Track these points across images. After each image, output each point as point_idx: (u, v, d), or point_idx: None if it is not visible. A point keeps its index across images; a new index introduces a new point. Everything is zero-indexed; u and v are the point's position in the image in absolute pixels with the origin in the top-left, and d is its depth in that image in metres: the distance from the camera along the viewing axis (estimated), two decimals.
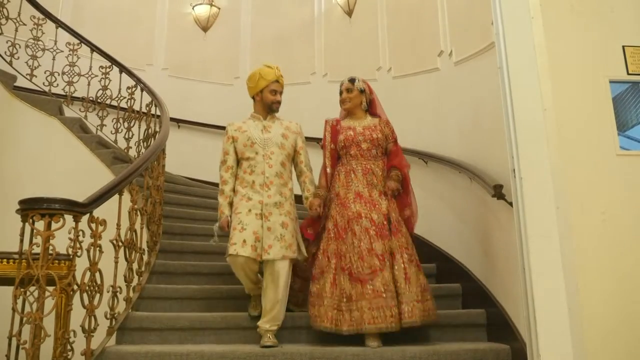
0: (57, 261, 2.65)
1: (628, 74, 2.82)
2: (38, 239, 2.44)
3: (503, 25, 2.68)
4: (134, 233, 3.24)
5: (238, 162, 3.35)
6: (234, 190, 3.29)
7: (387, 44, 5.64)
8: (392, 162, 3.33)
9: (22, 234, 2.52)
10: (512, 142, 2.46)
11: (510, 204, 2.66)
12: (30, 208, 2.44)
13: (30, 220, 2.43)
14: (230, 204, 3.26)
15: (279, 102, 3.39)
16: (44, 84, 5.05)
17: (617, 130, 2.72)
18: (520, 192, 2.38)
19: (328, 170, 3.38)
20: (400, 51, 5.42)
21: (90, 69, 5.25)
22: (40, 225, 2.45)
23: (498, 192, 2.95)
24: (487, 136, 3.53)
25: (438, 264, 4.18)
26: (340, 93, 3.46)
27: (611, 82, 2.81)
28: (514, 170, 2.46)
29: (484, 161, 3.53)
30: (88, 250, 2.72)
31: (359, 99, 3.43)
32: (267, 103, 3.37)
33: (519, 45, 2.61)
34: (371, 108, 3.51)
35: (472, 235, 3.76)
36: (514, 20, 2.68)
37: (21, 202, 2.46)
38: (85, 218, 2.69)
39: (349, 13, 6.39)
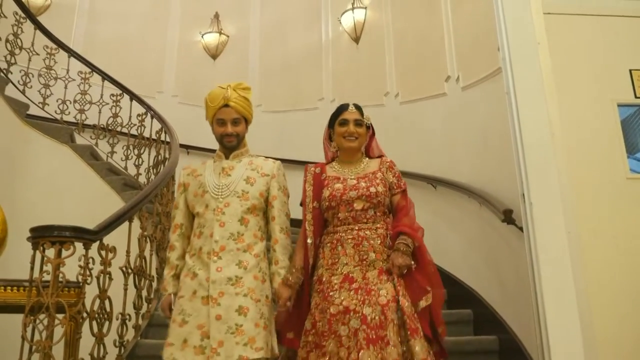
0: (67, 289, 2.64)
1: (636, 97, 2.84)
2: (48, 267, 2.45)
3: (509, 50, 2.70)
4: (143, 260, 3.24)
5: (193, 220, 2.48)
6: (184, 259, 2.40)
7: (394, 69, 5.69)
8: (399, 225, 2.29)
9: (32, 262, 2.53)
10: (521, 167, 2.46)
11: (521, 228, 2.65)
12: (41, 236, 2.46)
13: (41, 248, 2.45)
14: (178, 277, 2.39)
15: (230, 136, 2.43)
16: (55, 112, 5.12)
17: (626, 153, 2.72)
18: (531, 217, 2.37)
19: (308, 240, 2.37)
20: (408, 76, 5.46)
21: (102, 97, 5.32)
22: (50, 252, 2.46)
23: (508, 217, 2.94)
24: (495, 160, 3.53)
25: (448, 290, 4.13)
26: (342, 123, 2.44)
27: (619, 105, 2.83)
28: (524, 195, 2.45)
29: (493, 185, 3.53)
30: (98, 278, 2.73)
31: (365, 137, 2.49)
32: (217, 138, 2.49)
33: (526, 70, 2.62)
34: (369, 147, 2.57)
35: (483, 260, 3.73)
36: (520, 45, 2.70)
37: (32, 230, 2.48)
38: (95, 245, 2.70)
39: (356, 39, 6.45)
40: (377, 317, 2.09)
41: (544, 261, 2.31)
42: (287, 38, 7.22)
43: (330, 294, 2.22)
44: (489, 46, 3.67)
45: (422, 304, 2.17)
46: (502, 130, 2.95)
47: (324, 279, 2.29)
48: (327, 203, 2.37)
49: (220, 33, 7.31)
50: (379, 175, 2.41)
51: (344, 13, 6.47)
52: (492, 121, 3.56)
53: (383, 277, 2.21)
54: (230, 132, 2.43)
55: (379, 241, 2.29)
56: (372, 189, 2.34)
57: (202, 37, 7.31)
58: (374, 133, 2.56)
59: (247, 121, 2.52)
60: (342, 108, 2.52)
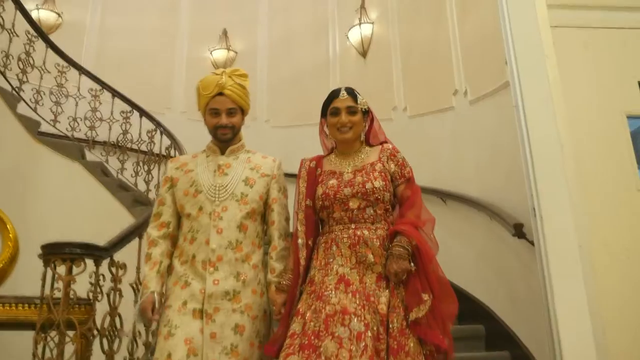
0: (77, 306, 2.65)
1: None
2: (59, 284, 2.46)
3: (517, 64, 2.70)
4: None
5: (180, 220, 2.23)
6: (170, 260, 2.18)
7: (402, 83, 5.70)
8: (398, 223, 2.04)
9: (43, 279, 2.54)
10: (531, 180, 2.45)
11: (532, 242, 2.63)
12: (52, 253, 2.48)
13: (52, 265, 2.46)
14: (163, 276, 2.15)
15: (225, 128, 2.19)
16: (66, 129, 5.17)
17: (637, 165, 2.70)
18: (542, 231, 2.35)
19: (299, 241, 2.13)
20: (415, 90, 5.47)
21: (112, 113, 5.37)
22: (61, 269, 2.47)
23: (518, 231, 2.93)
24: (505, 173, 3.52)
25: (460, 305, 4.10)
26: (334, 112, 2.17)
27: (628, 117, 2.81)
28: (534, 208, 2.44)
29: (503, 199, 3.51)
30: (108, 295, 2.73)
31: (362, 125, 2.21)
32: (210, 130, 2.26)
33: (534, 83, 2.62)
34: (368, 134, 2.28)
35: (494, 274, 3.70)
36: (528, 59, 2.70)
37: (43, 247, 2.50)
38: (105, 262, 2.71)
39: (363, 54, 6.48)
40: (376, 328, 1.85)
41: (556, 275, 2.29)
42: (294, 53, 7.27)
43: (325, 293, 1.95)
44: (496, 60, 3.68)
45: (412, 316, 1.86)
46: (511, 144, 2.94)
47: (315, 280, 2.03)
48: (320, 202, 2.12)
49: (229, 49, 7.38)
50: (377, 167, 2.13)
51: (351, 28, 6.51)
52: (501, 134, 3.56)
53: (382, 284, 1.96)
54: (225, 123, 2.18)
55: (378, 243, 2.01)
56: (368, 185, 2.06)
57: (210, 53, 7.37)
58: (373, 118, 2.27)
59: (243, 112, 2.27)
60: (333, 95, 2.21)
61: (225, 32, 7.36)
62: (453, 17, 4.75)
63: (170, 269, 2.17)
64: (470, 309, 3.97)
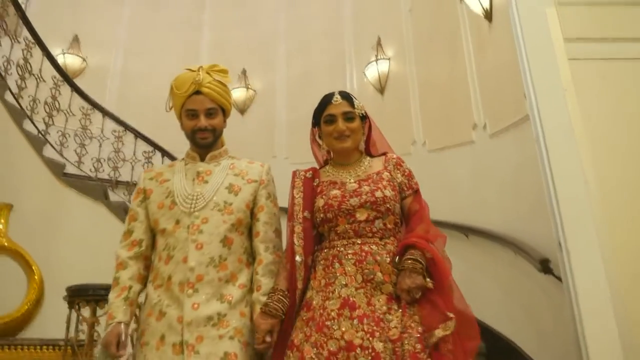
0: None
1: None
2: (84, 326, 2.47)
3: (536, 98, 2.69)
4: None
5: (155, 238, 1.95)
6: (142, 284, 1.90)
7: (420, 118, 5.72)
8: (408, 237, 1.79)
9: (68, 321, 2.56)
10: (556, 215, 2.41)
11: (559, 278, 2.57)
12: (77, 295, 2.50)
13: (77, 306, 2.48)
14: (132, 303, 1.85)
15: (204, 131, 1.94)
16: (90, 170, 5.27)
17: None
18: (569, 267, 2.30)
19: (297, 258, 1.84)
20: (434, 125, 5.48)
21: (134, 154, 5.47)
22: (86, 312, 2.49)
23: (545, 266, 2.88)
24: (528, 208, 3.48)
25: (487, 343, 4.01)
26: (329, 120, 1.95)
27: None
28: (560, 243, 2.39)
29: (527, 233, 3.46)
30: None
31: (361, 132, 1.99)
32: (187, 134, 2.00)
33: (554, 117, 2.61)
34: (367, 143, 2.06)
35: (521, 311, 3.62)
36: (547, 93, 2.69)
37: (68, 290, 2.53)
38: None
39: (381, 90, 6.54)
40: (388, 358, 1.58)
41: (587, 313, 2.22)
42: (312, 91, 7.31)
43: (327, 324, 1.67)
44: (515, 93, 3.68)
45: (439, 333, 1.59)
46: (534, 177, 2.91)
47: (313, 304, 1.75)
48: (322, 215, 1.86)
49: (248, 88, 7.51)
50: (385, 176, 1.91)
51: (368, 65, 6.59)
52: (523, 168, 3.53)
53: (393, 306, 1.68)
54: (204, 125, 1.92)
55: (388, 259, 1.76)
56: (378, 194, 1.83)
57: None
58: (371, 124, 2.05)
59: (225, 112, 2.01)
60: (326, 100, 1.98)
61: (244, 72, 7.52)
62: (469, 51, 4.79)
63: (146, 297, 1.87)
64: (497, 346, 3.87)
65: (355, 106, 1.96)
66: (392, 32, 6.42)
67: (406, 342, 1.59)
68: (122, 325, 1.77)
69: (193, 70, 1.94)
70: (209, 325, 1.73)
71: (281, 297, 1.78)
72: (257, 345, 1.75)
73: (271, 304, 1.77)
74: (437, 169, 5.09)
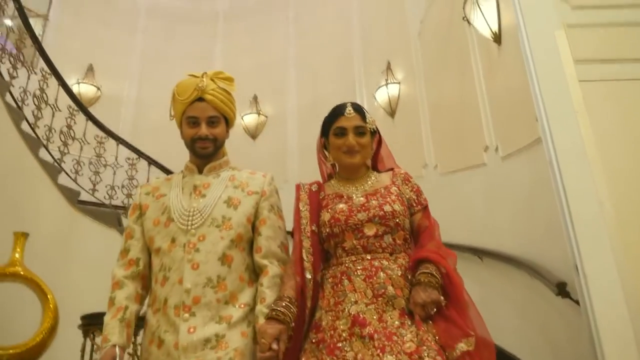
0: None
1: None
2: (98, 354, 2.47)
3: (548, 120, 2.69)
4: None
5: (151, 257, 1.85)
6: (140, 305, 1.82)
7: (432, 141, 5.73)
8: (420, 251, 1.73)
9: (82, 350, 2.56)
10: (571, 238, 2.38)
11: (577, 302, 2.53)
12: (92, 323, 2.50)
13: (92, 335, 2.48)
14: (129, 325, 1.75)
15: (205, 140, 1.85)
16: (104, 197, 5.32)
17: None
18: (587, 291, 2.26)
19: (307, 275, 1.75)
20: (446, 148, 5.48)
21: (148, 180, 5.51)
22: (100, 340, 2.48)
23: (562, 290, 2.83)
24: (543, 230, 3.44)
25: None
26: (339, 133, 1.88)
27: None
28: (577, 266, 2.36)
29: (542, 256, 3.42)
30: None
31: (370, 148, 1.92)
32: (186, 143, 1.91)
33: (567, 139, 2.60)
34: (375, 158, 2.00)
35: (538, 334, 3.56)
36: (559, 115, 2.69)
37: (83, 318, 2.53)
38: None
39: (392, 114, 6.57)
40: None
41: (606, 337, 2.18)
42: (323, 115, 7.40)
43: (338, 345, 1.58)
44: (526, 115, 3.68)
45: (462, 347, 1.53)
46: (547, 199, 2.89)
47: (323, 324, 1.66)
48: (327, 229, 1.77)
49: (259, 114, 7.60)
50: (393, 190, 1.83)
51: (378, 89, 6.65)
52: (535, 190, 3.51)
53: (407, 321, 1.59)
54: (204, 134, 1.82)
55: (399, 273, 1.68)
56: (387, 208, 1.75)
57: (242, 118, 7.59)
58: (381, 140, 1.98)
59: (228, 122, 1.92)
60: (338, 111, 1.91)
61: (255, 98, 7.61)
62: (479, 73, 4.80)
63: (145, 323, 1.80)
64: None
65: (367, 121, 1.90)
66: (402, 55, 6.48)
67: (425, 355, 1.49)
68: (117, 348, 1.67)
69: (196, 76, 1.85)
70: (207, 348, 1.61)
71: (289, 304, 1.66)
72: (260, 354, 1.57)
73: (278, 309, 1.64)
74: (449, 192, 5.07)
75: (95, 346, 2.48)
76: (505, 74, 4.38)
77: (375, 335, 1.55)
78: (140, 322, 1.84)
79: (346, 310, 1.63)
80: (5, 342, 2.64)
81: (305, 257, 1.76)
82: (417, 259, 1.69)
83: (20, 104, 4.45)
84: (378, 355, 1.51)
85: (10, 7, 4.51)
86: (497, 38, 4.24)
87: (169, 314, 1.66)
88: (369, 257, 1.71)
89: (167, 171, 5.60)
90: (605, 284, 2.27)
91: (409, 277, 1.68)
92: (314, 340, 1.65)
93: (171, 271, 1.70)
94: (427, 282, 1.60)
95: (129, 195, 5.45)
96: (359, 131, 1.86)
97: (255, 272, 1.81)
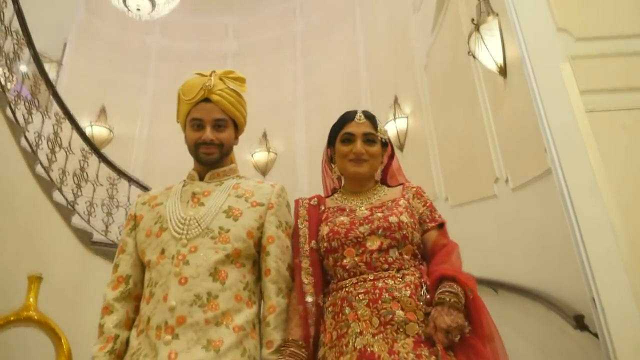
0: None
1: None
2: None
3: (557, 152, 2.70)
4: None
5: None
6: (128, 328, 1.62)
7: (441, 174, 5.73)
8: (440, 269, 1.53)
9: None
10: (587, 271, 2.36)
11: (595, 334, 2.49)
12: None
13: None
14: (120, 355, 1.58)
15: (210, 145, 1.66)
16: (117, 237, 5.34)
17: None
18: (605, 325, 2.22)
19: (308, 299, 1.56)
20: (455, 180, 5.48)
21: None
22: None
23: (580, 323, 2.78)
24: (557, 262, 3.40)
25: None
26: (346, 139, 1.74)
27: None
28: (594, 300, 2.33)
29: (558, 288, 3.37)
30: None
31: (380, 159, 1.78)
32: (190, 148, 1.71)
33: (577, 171, 2.60)
34: (385, 172, 1.85)
35: None
36: (568, 146, 2.70)
37: None
38: None
39: (400, 147, 6.60)
40: None
41: None
42: None
43: None
44: (535, 146, 3.68)
45: None
46: (561, 231, 2.87)
47: None
48: (325, 244, 1.59)
49: (269, 151, 7.67)
50: (402, 203, 1.66)
51: (386, 123, 6.69)
52: (548, 221, 3.48)
53: (423, 351, 1.38)
54: (209, 138, 1.64)
55: (408, 292, 1.47)
56: (393, 219, 1.56)
57: (252, 156, 7.66)
58: (393, 153, 1.83)
59: (237, 127, 1.76)
60: (347, 117, 1.76)
61: (265, 135, 7.69)
62: (486, 106, 4.84)
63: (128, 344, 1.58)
64: None
65: (379, 129, 1.75)
66: (409, 89, 6.55)
67: None
68: None
69: (204, 75, 1.67)
70: None
71: (294, 350, 1.48)
72: None
73: (288, 351, 1.48)
74: (460, 225, 5.04)
75: None
76: (512, 106, 4.41)
77: None
78: None
79: (350, 344, 1.42)
80: None
81: (305, 280, 1.58)
82: (442, 275, 1.47)
83: (35, 148, 4.53)
84: None
85: (26, 54, 4.64)
86: (503, 71, 4.29)
87: (150, 335, 1.45)
88: (372, 278, 1.50)
89: None
90: (623, 317, 2.23)
91: (424, 295, 1.48)
92: None
93: (157, 286, 1.51)
94: (453, 304, 1.40)
95: None
96: (369, 139, 1.72)
97: (255, 294, 1.60)
